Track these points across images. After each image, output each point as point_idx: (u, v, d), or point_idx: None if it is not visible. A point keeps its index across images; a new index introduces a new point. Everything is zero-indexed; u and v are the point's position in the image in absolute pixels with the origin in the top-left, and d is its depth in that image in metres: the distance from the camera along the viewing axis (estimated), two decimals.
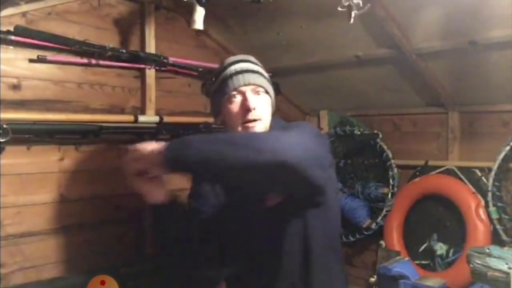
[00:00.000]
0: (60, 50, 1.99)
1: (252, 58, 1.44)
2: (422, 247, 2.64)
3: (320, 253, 1.33)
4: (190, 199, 1.45)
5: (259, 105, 1.33)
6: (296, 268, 1.33)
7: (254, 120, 1.32)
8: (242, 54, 1.52)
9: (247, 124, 1.32)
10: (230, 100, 1.34)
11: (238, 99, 1.34)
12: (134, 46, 2.28)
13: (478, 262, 1.62)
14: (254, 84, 1.35)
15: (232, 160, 1.04)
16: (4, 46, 1.84)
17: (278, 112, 3.04)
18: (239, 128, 1.33)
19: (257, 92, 1.35)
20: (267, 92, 1.38)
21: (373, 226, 2.75)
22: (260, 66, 1.43)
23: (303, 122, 1.63)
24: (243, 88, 1.33)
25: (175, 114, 2.43)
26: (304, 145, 1.11)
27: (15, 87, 1.89)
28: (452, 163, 2.60)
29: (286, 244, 1.32)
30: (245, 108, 1.31)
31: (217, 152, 1.04)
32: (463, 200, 2.42)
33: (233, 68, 1.36)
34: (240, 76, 1.34)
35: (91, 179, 2.13)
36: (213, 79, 1.42)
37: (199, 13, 1.82)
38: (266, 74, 1.42)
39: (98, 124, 2.05)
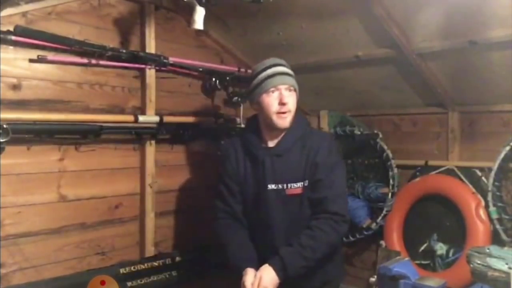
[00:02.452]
0: (60, 50, 1.99)
1: (284, 62, 1.85)
2: (422, 247, 2.64)
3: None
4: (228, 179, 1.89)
5: (290, 101, 1.78)
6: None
7: (285, 112, 1.77)
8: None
9: (280, 115, 1.77)
10: (268, 94, 1.77)
11: (275, 94, 1.77)
12: (134, 46, 2.28)
13: (478, 262, 1.61)
14: (288, 84, 1.78)
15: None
16: (4, 46, 1.84)
17: None
18: (274, 116, 1.77)
19: (290, 90, 1.79)
20: (295, 90, 1.82)
21: (373, 226, 2.75)
22: (290, 68, 1.84)
23: (338, 161, 1.88)
24: (280, 86, 1.77)
25: (175, 114, 2.43)
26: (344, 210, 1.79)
27: (15, 87, 1.89)
28: (452, 163, 2.60)
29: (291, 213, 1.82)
30: (280, 102, 1.75)
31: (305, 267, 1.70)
32: (463, 200, 2.41)
33: (272, 70, 1.78)
34: (278, 77, 1.77)
35: (91, 179, 2.13)
36: (253, 76, 1.84)
37: (199, 13, 1.82)
38: (294, 75, 1.83)
39: (98, 124, 2.05)
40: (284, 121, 1.77)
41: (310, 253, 1.68)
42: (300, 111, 1.94)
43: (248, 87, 1.87)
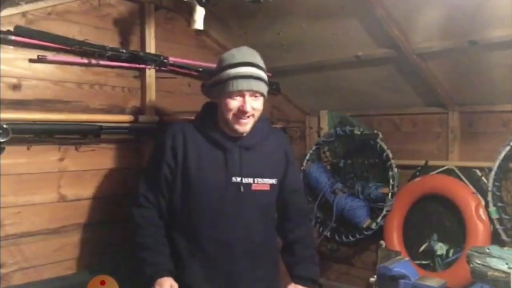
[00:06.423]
0: (60, 50, 1.98)
1: (258, 60, 1.64)
2: (422, 247, 2.64)
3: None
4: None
5: (255, 105, 1.62)
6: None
7: (246, 118, 1.62)
8: None
9: (240, 120, 1.61)
10: (231, 97, 1.60)
11: (238, 99, 1.60)
12: (134, 46, 2.28)
13: (478, 262, 1.62)
14: (253, 90, 1.60)
15: None
16: (4, 46, 1.83)
17: (278, 112, 3.06)
18: (233, 121, 1.62)
19: (255, 96, 1.62)
20: (263, 94, 1.64)
21: (373, 226, 2.75)
22: (262, 68, 1.65)
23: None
24: (244, 92, 1.59)
25: (175, 114, 2.43)
26: None
27: (15, 87, 1.89)
28: (452, 163, 2.61)
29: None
30: (242, 110, 1.59)
31: None
32: (463, 200, 2.42)
33: (240, 70, 1.58)
34: (244, 81, 1.58)
35: (91, 179, 2.13)
36: (218, 69, 1.65)
37: (199, 13, 1.82)
38: (265, 76, 1.65)
39: (98, 124, 2.04)
40: (244, 127, 1.64)
41: None
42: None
43: (211, 77, 1.69)
